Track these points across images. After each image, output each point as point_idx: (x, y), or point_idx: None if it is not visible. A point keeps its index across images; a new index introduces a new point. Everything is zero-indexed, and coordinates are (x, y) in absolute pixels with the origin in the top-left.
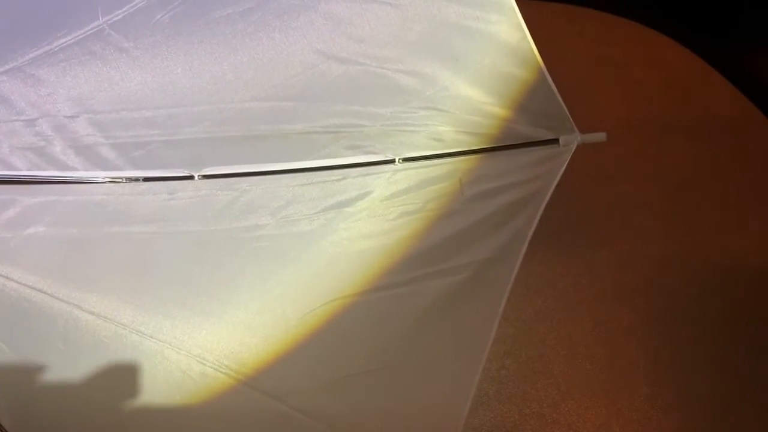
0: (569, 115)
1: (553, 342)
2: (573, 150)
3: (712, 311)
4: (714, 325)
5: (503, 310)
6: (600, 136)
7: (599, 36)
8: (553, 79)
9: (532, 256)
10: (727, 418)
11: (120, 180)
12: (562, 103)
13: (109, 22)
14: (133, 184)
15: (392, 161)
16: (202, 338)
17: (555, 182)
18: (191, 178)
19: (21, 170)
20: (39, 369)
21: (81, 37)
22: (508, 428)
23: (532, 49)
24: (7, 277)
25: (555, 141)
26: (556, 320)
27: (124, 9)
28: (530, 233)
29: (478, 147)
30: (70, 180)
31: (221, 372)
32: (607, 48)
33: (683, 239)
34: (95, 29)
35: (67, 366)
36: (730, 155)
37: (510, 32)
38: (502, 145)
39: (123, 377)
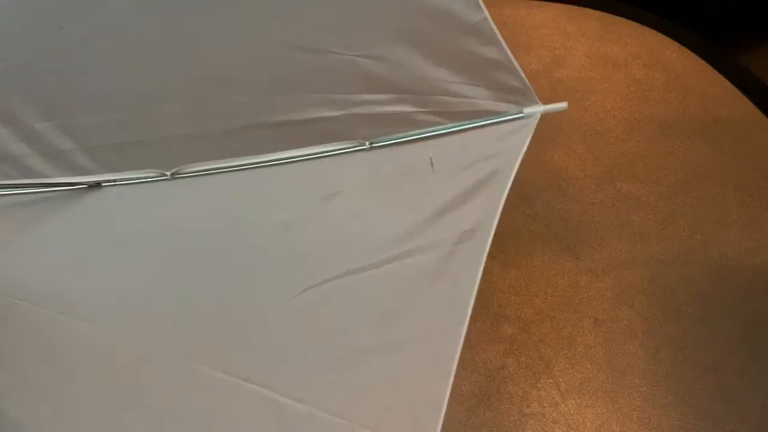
0: (531, 88)
1: (553, 342)
2: (537, 120)
3: (712, 311)
4: (714, 325)
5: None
6: (561, 106)
7: (599, 36)
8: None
9: (531, 257)
10: (727, 418)
11: (94, 184)
12: (524, 77)
13: (73, 27)
14: (108, 187)
15: (364, 146)
16: (190, 336)
17: (522, 153)
18: (165, 177)
19: None
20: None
21: (46, 43)
22: (508, 428)
23: (492, 27)
24: None
25: (520, 114)
26: (556, 320)
27: (89, 14)
28: (501, 204)
29: (447, 126)
30: (45, 186)
31: (209, 368)
32: (607, 48)
33: (683, 239)
34: (60, 35)
35: (55, 374)
36: (730, 155)
37: (470, 12)
38: (470, 122)
39: (105, 382)
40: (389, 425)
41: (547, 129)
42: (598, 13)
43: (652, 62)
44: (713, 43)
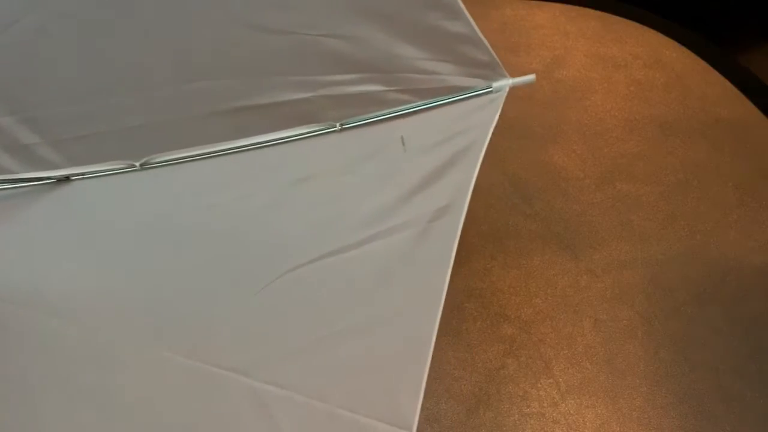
0: (499, 61)
1: (553, 342)
2: (506, 94)
3: (712, 311)
4: (714, 325)
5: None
6: (530, 78)
7: (599, 36)
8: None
9: (531, 257)
10: (727, 417)
11: (63, 179)
12: (492, 51)
13: (31, 19)
14: (77, 181)
15: (334, 128)
16: (165, 326)
17: (492, 127)
18: (135, 168)
19: None
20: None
21: (4, 37)
22: (508, 428)
23: (458, 1)
24: None
25: (489, 88)
26: (556, 320)
27: (47, 5)
28: (473, 179)
29: (417, 104)
30: (13, 183)
31: (185, 357)
32: (607, 48)
33: (683, 239)
34: (18, 28)
35: (25, 371)
36: (730, 155)
37: None
38: (440, 99)
39: (78, 377)
40: (368, 407)
41: (547, 129)
42: (598, 13)
43: (652, 62)
44: (713, 43)
